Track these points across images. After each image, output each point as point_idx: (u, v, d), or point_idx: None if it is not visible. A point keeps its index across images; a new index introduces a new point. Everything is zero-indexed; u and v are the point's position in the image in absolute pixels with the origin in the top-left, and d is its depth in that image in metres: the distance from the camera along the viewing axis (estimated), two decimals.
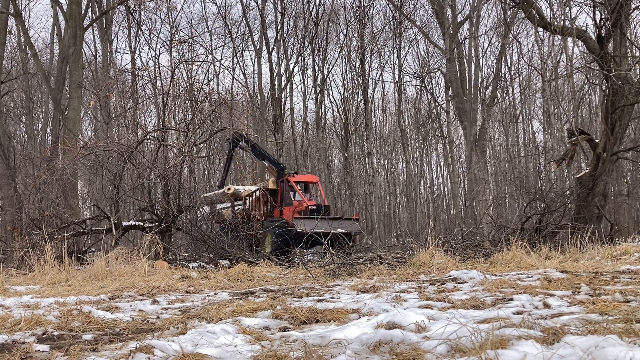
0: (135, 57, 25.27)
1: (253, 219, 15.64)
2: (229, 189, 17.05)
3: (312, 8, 26.72)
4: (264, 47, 26.60)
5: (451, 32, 22.56)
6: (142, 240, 10.27)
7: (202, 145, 18.11)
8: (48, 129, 25.16)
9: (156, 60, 24.86)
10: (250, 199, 16.65)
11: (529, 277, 5.68)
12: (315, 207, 15.27)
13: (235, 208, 16.78)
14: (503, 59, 25.58)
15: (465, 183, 28.02)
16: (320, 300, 4.53)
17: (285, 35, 26.98)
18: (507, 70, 27.74)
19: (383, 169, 33.03)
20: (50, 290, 6.37)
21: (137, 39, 25.43)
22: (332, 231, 12.71)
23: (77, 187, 17.21)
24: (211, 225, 16.13)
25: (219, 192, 17.77)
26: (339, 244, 12.85)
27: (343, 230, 13.32)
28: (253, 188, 17.08)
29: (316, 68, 27.92)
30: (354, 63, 28.43)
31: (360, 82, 27.40)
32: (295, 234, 13.90)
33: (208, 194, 18.48)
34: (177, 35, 26.39)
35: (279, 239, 14.42)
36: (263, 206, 16.56)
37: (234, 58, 28.89)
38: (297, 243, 13.57)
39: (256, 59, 27.16)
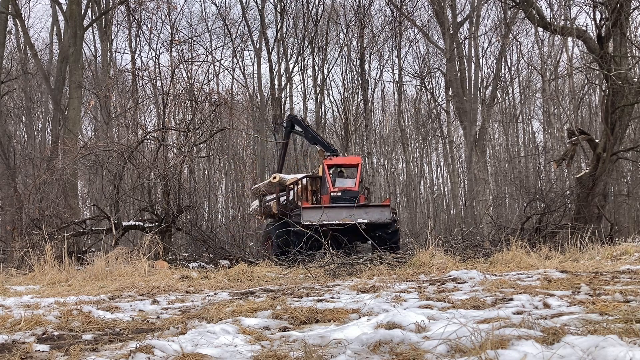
0: (135, 57, 25.25)
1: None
2: (274, 177, 15.14)
3: (312, 8, 26.73)
4: (264, 47, 26.59)
5: (451, 32, 22.56)
6: (142, 240, 10.27)
7: (202, 145, 18.08)
8: (48, 129, 25.16)
9: (156, 60, 24.82)
10: (296, 188, 14.40)
11: (529, 277, 5.67)
12: (339, 194, 13.15)
13: (281, 199, 14.73)
14: (503, 59, 25.57)
15: (465, 183, 28.01)
16: (320, 300, 4.53)
17: (284, 35, 26.97)
18: (507, 70, 27.74)
19: (383, 168, 33.02)
20: (50, 290, 6.37)
21: (137, 39, 25.42)
22: (328, 222, 11.26)
23: (77, 187, 17.20)
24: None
25: (266, 183, 15.98)
26: (378, 238, 11.49)
27: (366, 221, 11.66)
28: (300, 176, 15.26)
29: (316, 68, 27.92)
30: (354, 63, 28.43)
31: (360, 82, 27.39)
32: (294, 230, 11.88)
33: (256, 185, 16.96)
34: (177, 36, 26.37)
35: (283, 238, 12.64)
36: (311, 196, 14.40)
37: (234, 58, 28.85)
38: (300, 240, 10.98)
39: (256, 59, 27.15)
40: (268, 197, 15.58)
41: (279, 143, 18.23)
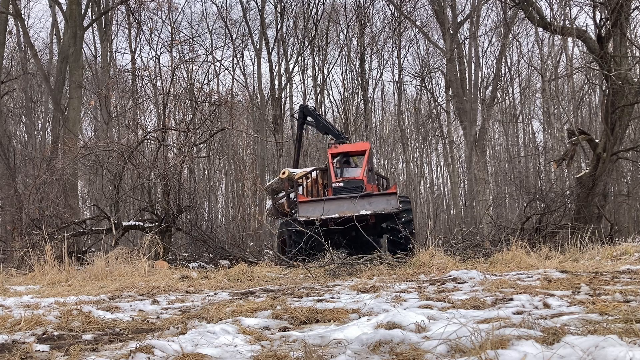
0: (135, 57, 25.23)
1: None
2: (283, 172, 13.89)
3: (312, 8, 26.74)
4: (264, 47, 26.59)
5: (451, 32, 22.56)
6: (142, 240, 10.27)
7: (202, 145, 18.07)
8: (48, 129, 25.15)
9: (156, 60, 24.83)
10: (305, 182, 13.09)
11: (529, 277, 5.67)
12: (341, 185, 11.99)
13: (291, 196, 13.44)
14: (503, 59, 25.57)
15: (465, 183, 28.01)
16: (320, 300, 4.53)
17: (284, 35, 26.97)
18: (507, 70, 27.76)
19: (383, 169, 33.02)
20: (50, 290, 6.37)
21: (138, 39, 25.41)
22: (326, 217, 10.44)
23: (77, 187, 17.19)
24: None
25: (277, 179, 14.67)
26: (393, 235, 11.05)
27: (369, 212, 10.66)
28: (309, 169, 14.02)
29: (316, 68, 27.94)
30: (354, 63, 28.44)
31: (360, 82, 27.40)
32: (294, 229, 11.03)
33: (268, 183, 15.92)
34: (177, 36, 26.37)
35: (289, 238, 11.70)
36: (322, 190, 13.23)
37: (234, 58, 28.86)
38: (301, 239, 10.42)
39: (256, 59, 27.13)
40: (280, 195, 14.59)
41: (295, 134, 17.37)
